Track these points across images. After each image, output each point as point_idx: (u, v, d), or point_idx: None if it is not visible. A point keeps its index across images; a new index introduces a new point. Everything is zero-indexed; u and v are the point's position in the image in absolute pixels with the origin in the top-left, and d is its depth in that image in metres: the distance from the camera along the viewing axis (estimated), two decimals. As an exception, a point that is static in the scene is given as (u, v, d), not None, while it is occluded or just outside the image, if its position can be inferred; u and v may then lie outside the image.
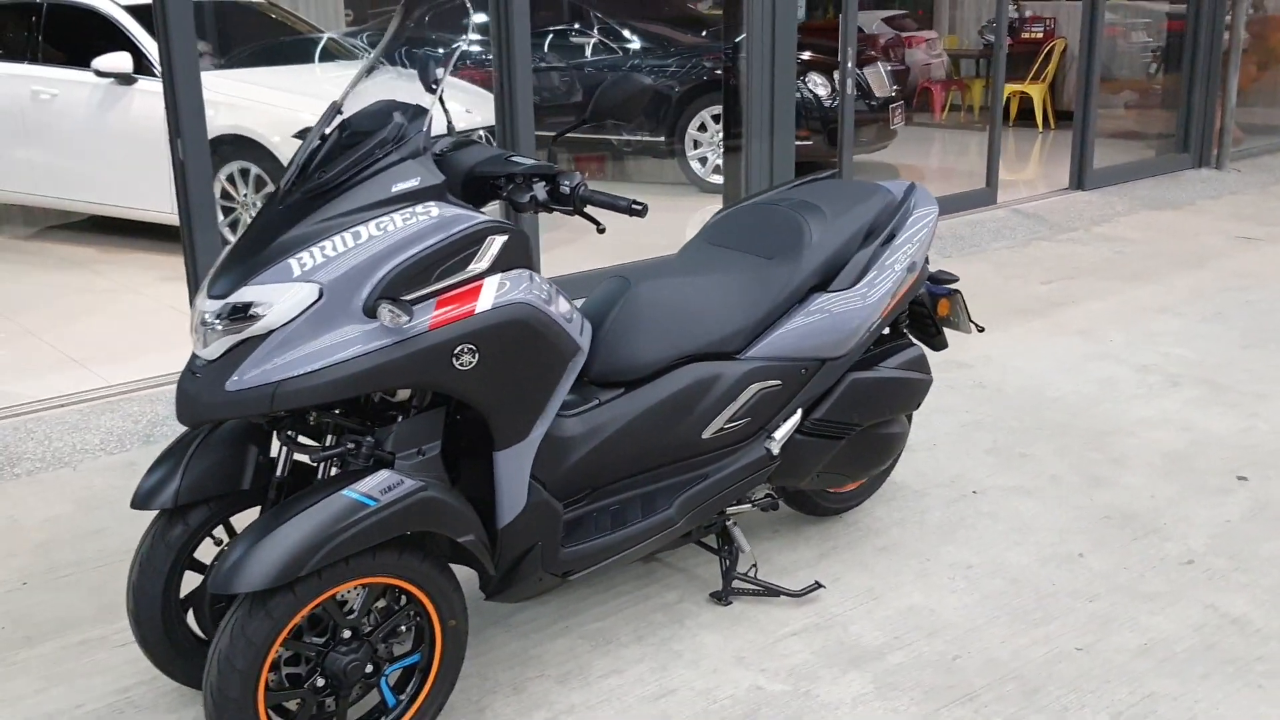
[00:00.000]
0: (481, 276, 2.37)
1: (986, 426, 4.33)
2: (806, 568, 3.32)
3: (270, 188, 6.46)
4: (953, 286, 3.50)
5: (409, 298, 2.28)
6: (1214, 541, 3.45)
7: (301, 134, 6.32)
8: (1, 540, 3.54)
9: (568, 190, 2.46)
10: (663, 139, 8.88)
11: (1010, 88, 11.42)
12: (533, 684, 2.80)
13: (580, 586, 3.22)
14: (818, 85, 8.55)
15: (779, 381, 2.98)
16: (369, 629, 2.40)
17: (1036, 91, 11.88)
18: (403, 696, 2.49)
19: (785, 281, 3.01)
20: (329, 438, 2.44)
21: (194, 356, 2.32)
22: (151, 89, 6.66)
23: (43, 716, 2.69)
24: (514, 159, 2.50)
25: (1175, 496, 3.74)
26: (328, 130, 2.44)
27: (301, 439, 2.48)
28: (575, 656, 2.91)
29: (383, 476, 2.30)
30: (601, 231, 2.57)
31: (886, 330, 3.42)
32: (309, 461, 2.52)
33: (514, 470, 2.50)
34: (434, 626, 2.47)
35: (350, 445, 2.38)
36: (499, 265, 2.40)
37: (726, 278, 2.99)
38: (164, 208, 6.68)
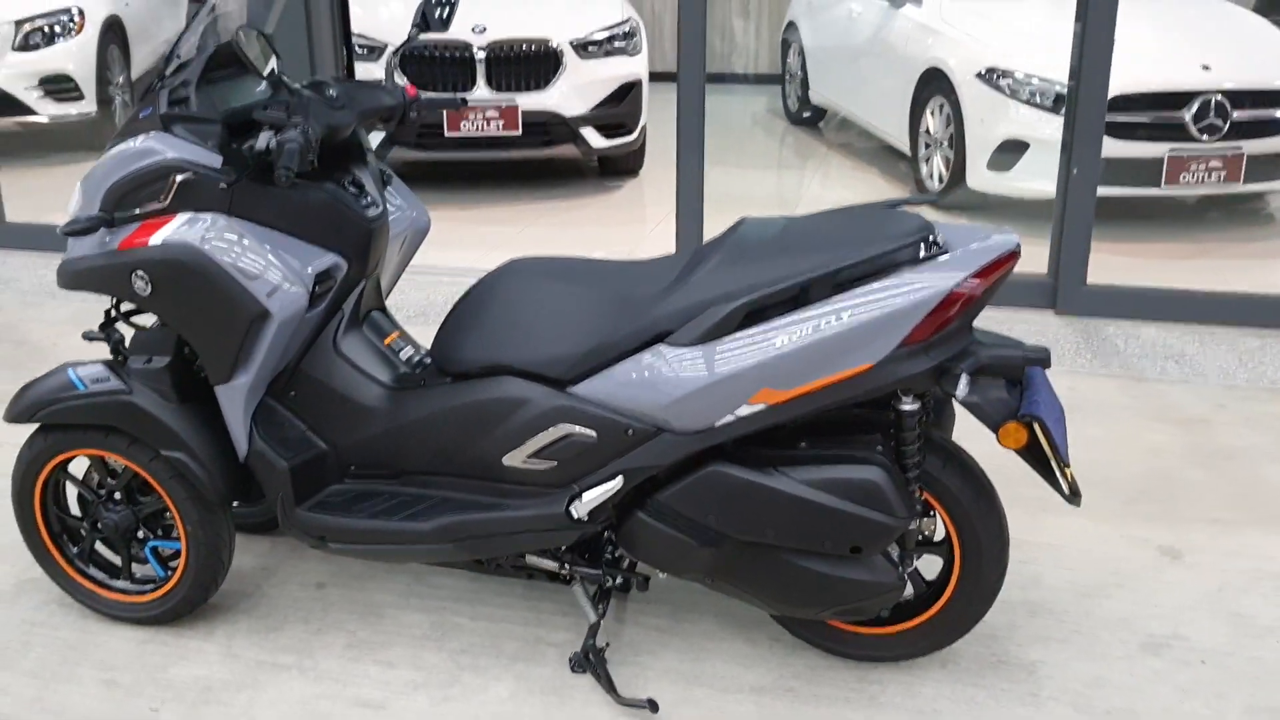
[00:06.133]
0: (170, 212, 2.40)
1: (1357, 682, 2.55)
2: (722, 691, 2.55)
3: (949, 129, 6.07)
4: (1033, 414, 2.16)
5: (123, 215, 2.44)
6: None
7: (989, 74, 5.78)
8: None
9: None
10: None
11: None
12: (330, 637, 2.78)
13: (516, 584, 2.95)
14: None
15: (593, 433, 2.33)
16: (136, 500, 2.72)
17: None
18: (168, 573, 2.76)
19: (633, 316, 2.31)
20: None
21: None
22: (911, 15, 6.62)
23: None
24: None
25: None
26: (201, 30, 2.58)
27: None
28: (400, 634, 2.76)
29: (97, 369, 2.57)
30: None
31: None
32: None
33: (231, 409, 2.51)
34: (178, 523, 2.67)
35: (103, 334, 2.64)
36: (188, 204, 2.39)
37: (594, 293, 2.40)
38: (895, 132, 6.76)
